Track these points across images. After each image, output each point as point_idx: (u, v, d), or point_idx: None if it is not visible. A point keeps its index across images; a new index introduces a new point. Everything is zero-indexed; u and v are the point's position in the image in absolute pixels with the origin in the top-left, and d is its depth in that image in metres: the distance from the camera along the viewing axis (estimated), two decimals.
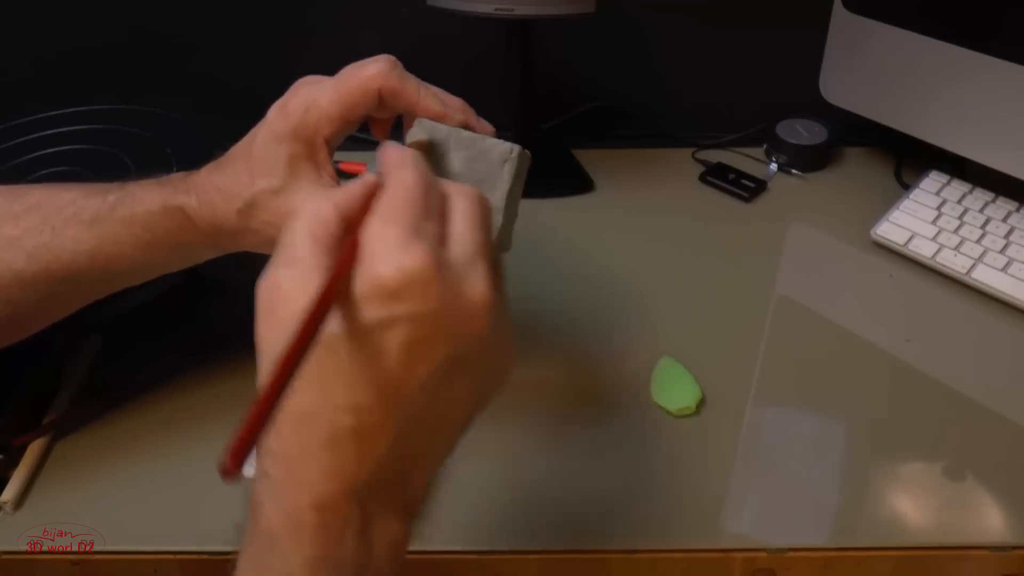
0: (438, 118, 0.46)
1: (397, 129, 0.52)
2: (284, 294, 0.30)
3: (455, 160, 0.46)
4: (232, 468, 0.24)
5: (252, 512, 0.32)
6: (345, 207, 0.32)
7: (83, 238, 0.46)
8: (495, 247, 0.35)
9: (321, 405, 0.30)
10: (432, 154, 0.46)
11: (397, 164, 0.33)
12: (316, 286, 0.29)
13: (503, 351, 0.34)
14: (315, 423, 0.30)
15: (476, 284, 0.31)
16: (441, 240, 0.31)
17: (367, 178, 0.34)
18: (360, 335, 0.29)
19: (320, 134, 0.46)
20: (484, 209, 0.34)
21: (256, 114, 0.48)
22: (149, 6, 0.80)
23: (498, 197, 0.45)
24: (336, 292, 0.29)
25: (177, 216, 0.46)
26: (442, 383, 0.31)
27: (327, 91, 0.46)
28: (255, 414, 0.25)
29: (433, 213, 0.32)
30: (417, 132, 0.46)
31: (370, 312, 0.29)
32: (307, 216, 0.32)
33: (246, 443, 0.25)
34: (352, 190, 0.33)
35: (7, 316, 0.46)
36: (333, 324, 0.29)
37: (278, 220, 0.46)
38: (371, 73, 0.45)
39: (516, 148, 0.45)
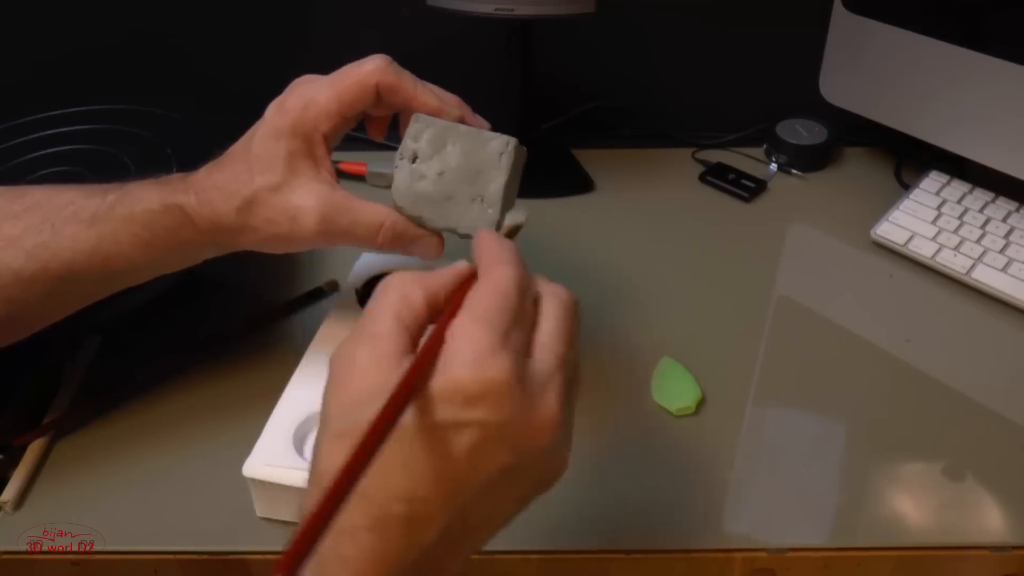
0: (435, 113, 0.47)
1: (393, 129, 0.52)
2: (360, 369, 0.31)
3: (453, 154, 0.46)
4: (290, 566, 0.24)
5: None
6: (435, 293, 0.32)
7: (83, 237, 0.46)
8: (577, 356, 0.35)
9: (376, 490, 0.30)
10: (430, 148, 0.47)
11: (497, 260, 0.33)
12: (393, 369, 0.30)
13: (559, 462, 0.34)
14: (366, 506, 0.30)
15: (550, 402, 0.31)
16: (527, 349, 0.32)
17: (461, 267, 0.34)
18: (429, 431, 0.30)
19: (319, 130, 0.46)
20: (575, 317, 0.34)
21: (256, 114, 0.48)
22: (149, 6, 0.80)
23: (495, 189, 0.46)
24: (416, 384, 0.29)
25: (176, 215, 0.46)
26: (497, 487, 0.32)
27: (325, 88, 0.46)
28: (323, 504, 0.25)
29: (524, 318, 0.32)
30: (415, 126, 0.47)
31: (443, 411, 0.29)
32: (394, 296, 0.32)
33: (310, 539, 0.25)
34: (444, 276, 0.33)
35: (7, 315, 0.46)
36: (407, 414, 0.29)
37: (278, 217, 0.46)
38: (368, 69, 0.46)
39: (512, 141, 0.46)
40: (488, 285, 0.32)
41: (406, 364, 0.31)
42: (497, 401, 0.30)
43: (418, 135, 0.47)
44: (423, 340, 0.32)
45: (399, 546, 0.30)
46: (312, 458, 0.32)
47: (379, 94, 0.47)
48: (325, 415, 0.32)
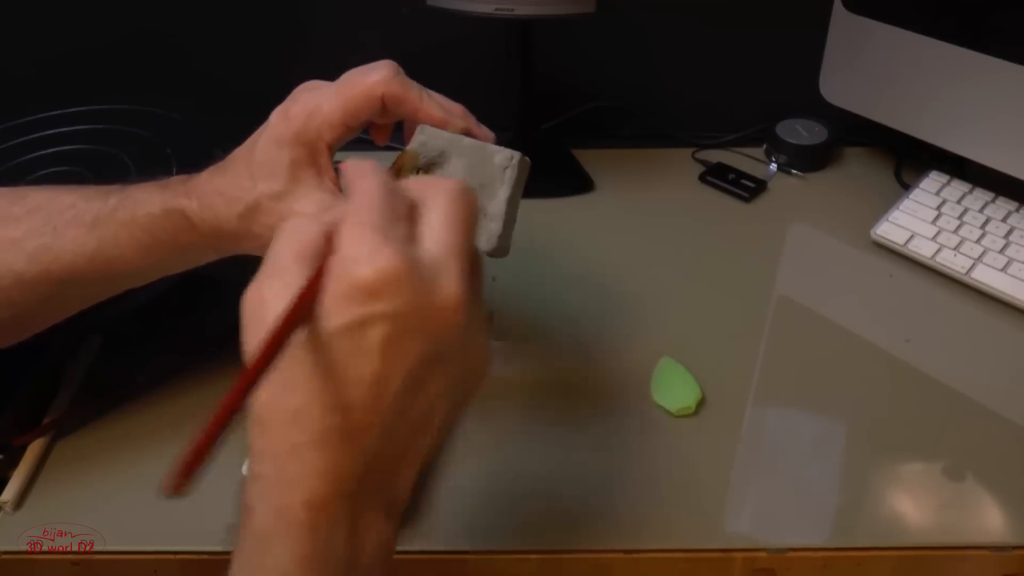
0: (440, 125, 0.47)
1: (397, 133, 0.52)
2: (267, 304, 0.31)
3: (456, 166, 0.46)
4: (182, 482, 0.26)
5: (244, 513, 0.33)
6: (330, 225, 0.33)
7: (84, 240, 0.46)
8: (474, 244, 0.35)
9: (309, 404, 0.31)
10: (429, 161, 0.47)
11: (358, 175, 0.34)
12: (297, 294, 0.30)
13: (478, 349, 0.35)
14: (304, 423, 0.31)
15: (449, 282, 0.32)
16: (412, 240, 0.32)
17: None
18: (341, 335, 0.30)
19: (322, 139, 0.46)
20: (463, 206, 0.34)
21: (257, 114, 0.48)
22: (149, 6, 0.80)
23: (499, 203, 0.46)
24: (311, 298, 0.30)
25: (178, 219, 0.46)
26: (422, 379, 0.32)
27: (330, 97, 0.46)
28: (218, 418, 0.27)
29: (400, 215, 0.33)
30: (419, 139, 0.47)
31: (349, 312, 0.30)
32: (289, 231, 0.33)
33: (204, 449, 0.26)
34: (335, 211, 0.34)
35: (8, 318, 0.46)
36: (317, 324, 0.30)
37: (278, 224, 0.46)
38: (374, 80, 0.45)
39: (517, 155, 0.46)
40: (357, 195, 0.33)
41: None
42: (395, 289, 0.30)
43: (422, 147, 0.47)
44: None
45: (343, 456, 0.31)
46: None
47: (384, 105, 0.46)
48: (245, 355, 0.32)
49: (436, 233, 0.33)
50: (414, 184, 0.35)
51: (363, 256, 0.30)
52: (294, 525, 0.31)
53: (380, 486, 0.33)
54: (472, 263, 0.34)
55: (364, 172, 0.34)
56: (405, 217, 0.33)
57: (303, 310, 0.30)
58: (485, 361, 0.36)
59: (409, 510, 0.50)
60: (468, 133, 0.48)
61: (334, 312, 0.30)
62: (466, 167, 0.46)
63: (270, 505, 0.31)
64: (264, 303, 0.31)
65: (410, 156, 0.45)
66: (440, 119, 0.47)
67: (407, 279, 0.30)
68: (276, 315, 0.30)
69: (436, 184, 0.35)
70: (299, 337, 0.30)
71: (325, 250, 0.32)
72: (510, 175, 0.46)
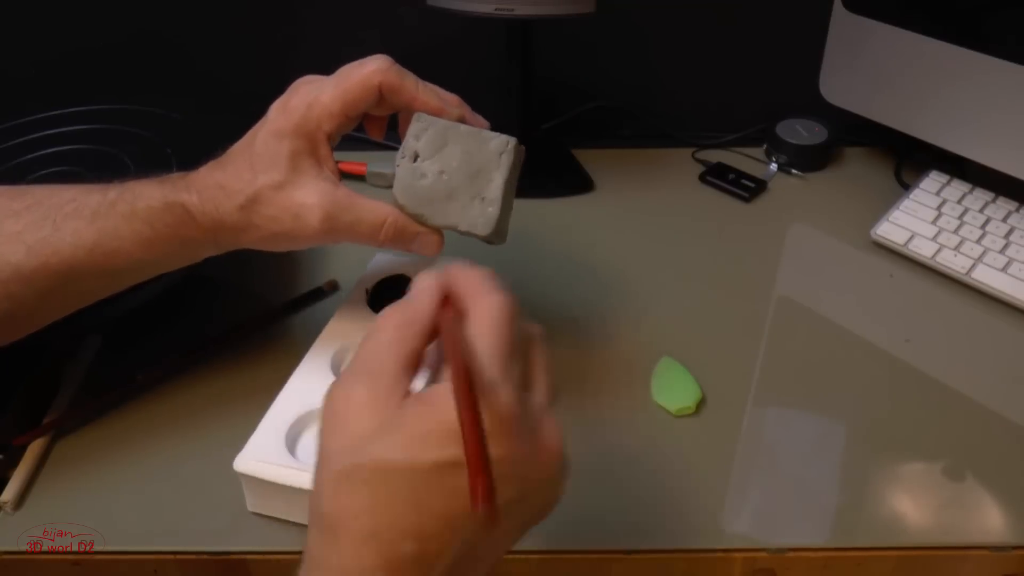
0: (436, 113, 0.47)
1: (392, 129, 0.53)
2: (354, 408, 0.31)
3: (454, 153, 0.47)
4: (491, 510, 0.26)
5: None
6: (423, 324, 0.33)
7: (83, 233, 0.46)
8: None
9: (387, 528, 0.30)
10: (432, 147, 0.47)
11: (487, 288, 0.33)
12: (393, 408, 0.30)
13: (559, 491, 0.34)
14: (377, 545, 0.30)
15: (551, 433, 0.32)
16: (526, 384, 0.32)
17: (431, 284, 0.34)
18: (436, 469, 0.30)
19: (322, 129, 0.47)
20: (549, 355, 0.34)
21: (256, 114, 0.48)
22: (149, 6, 0.80)
23: (496, 187, 0.47)
24: (471, 383, 0.29)
25: (178, 212, 0.46)
26: (502, 520, 0.31)
27: (328, 88, 0.47)
28: (474, 455, 0.27)
29: (519, 350, 0.32)
30: (416, 126, 0.47)
31: (452, 448, 0.29)
32: (391, 332, 0.32)
33: (486, 477, 0.26)
34: (423, 303, 0.33)
35: (7, 312, 0.46)
36: (408, 452, 0.30)
37: (281, 215, 0.46)
38: (371, 69, 0.46)
39: (512, 140, 0.47)
40: (487, 316, 0.32)
41: (409, 404, 0.31)
42: (504, 433, 0.30)
43: (419, 134, 0.47)
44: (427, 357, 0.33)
45: None
46: (311, 499, 0.32)
47: (381, 94, 0.47)
48: (325, 454, 0.31)
49: (543, 379, 0.33)
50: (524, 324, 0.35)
51: (482, 395, 0.30)
52: None
53: None
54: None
55: (492, 286, 0.33)
56: (524, 352, 0.33)
57: (471, 385, 0.29)
58: (559, 497, 0.35)
59: None
60: (463, 121, 0.48)
61: (434, 443, 0.30)
62: (462, 153, 0.47)
63: None
64: (352, 403, 0.31)
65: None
66: (436, 107, 0.47)
67: (516, 427, 0.30)
68: (364, 422, 0.30)
69: (534, 333, 0.34)
70: (392, 458, 0.30)
71: (423, 351, 0.32)
72: (506, 160, 0.47)
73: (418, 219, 0.48)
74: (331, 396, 0.32)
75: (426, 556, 0.30)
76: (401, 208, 0.48)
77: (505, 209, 0.48)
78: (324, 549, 0.31)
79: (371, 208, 0.48)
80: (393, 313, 0.34)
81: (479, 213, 0.47)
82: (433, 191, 0.47)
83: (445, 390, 0.30)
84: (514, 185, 0.49)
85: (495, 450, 0.29)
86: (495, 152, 0.47)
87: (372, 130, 0.52)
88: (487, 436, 0.28)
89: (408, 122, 0.48)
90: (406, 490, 0.30)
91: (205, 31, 0.82)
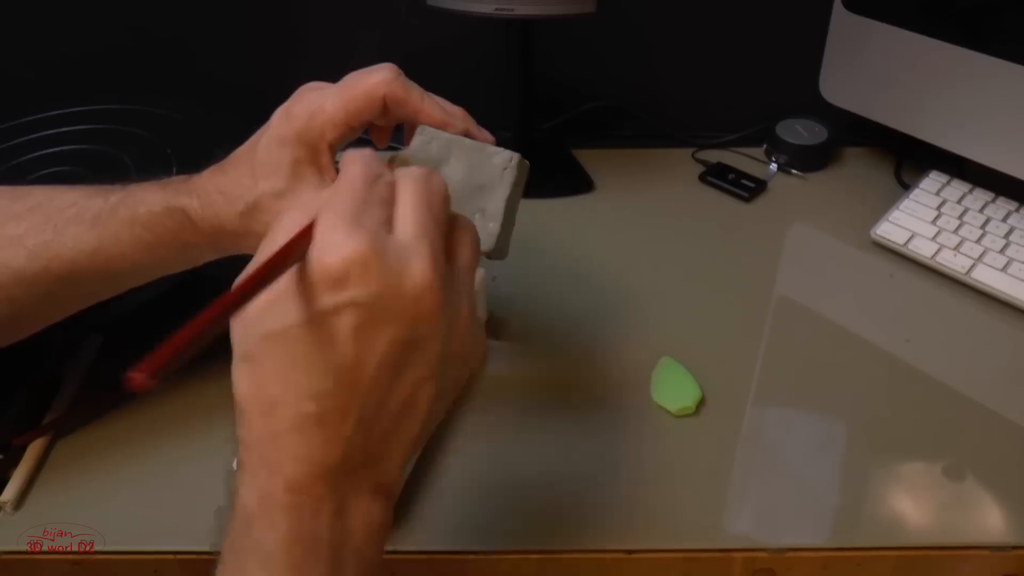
0: (440, 125, 0.47)
1: (397, 135, 0.53)
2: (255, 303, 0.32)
3: (456, 167, 0.47)
4: (150, 377, 0.26)
5: (232, 499, 0.34)
6: (315, 211, 0.33)
7: (84, 237, 0.46)
8: (445, 228, 0.36)
9: (284, 393, 0.32)
10: (434, 161, 0.47)
11: (347, 161, 0.35)
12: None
13: (463, 334, 0.35)
14: (281, 411, 0.32)
15: (419, 266, 0.32)
16: (385, 225, 0.33)
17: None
18: (313, 323, 0.31)
19: (324, 139, 0.46)
20: (432, 190, 0.35)
21: (257, 114, 0.48)
22: (149, 6, 0.80)
23: (497, 203, 0.46)
24: (284, 263, 0.31)
25: (179, 217, 0.46)
26: (399, 364, 0.33)
27: (332, 97, 0.46)
28: (197, 321, 0.28)
29: (376, 200, 0.33)
30: (419, 139, 0.47)
31: (320, 300, 0.31)
32: (282, 223, 0.34)
33: (177, 348, 0.27)
34: (322, 198, 0.34)
35: (8, 315, 0.46)
36: (290, 315, 0.31)
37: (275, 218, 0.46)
38: (376, 80, 0.46)
39: (516, 156, 0.46)
40: (339, 181, 0.34)
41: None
42: (363, 275, 0.30)
43: (422, 148, 0.47)
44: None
45: (321, 441, 0.32)
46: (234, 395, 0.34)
47: (386, 105, 0.47)
48: (231, 342, 0.33)
49: (407, 216, 0.33)
50: (397, 173, 0.36)
51: (332, 244, 0.31)
52: (276, 508, 0.32)
53: (365, 469, 0.34)
54: (441, 244, 0.34)
55: (354, 159, 0.35)
56: (384, 203, 0.33)
57: (280, 264, 0.30)
58: (475, 346, 0.36)
59: (409, 510, 0.50)
60: (467, 135, 0.48)
61: (305, 301, 0.31)
62: (466, 168, 0.46)
63: (253, 490, 0.32)
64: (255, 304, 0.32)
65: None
66: (441, 120, 0.47)
67: (375, 265, 0.31)
68: (260, 302, 0.31)
69: (406, 172, 0.35)
70: (272, 328, 0.31)
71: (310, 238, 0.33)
72: (509, 176, 0.46)
73: None
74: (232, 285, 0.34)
75: (328, 413, 0.31)
76: None
77: (506, 225, 0.47)
78: (241, 431, 0.33)
79: None
80: (284, 211, 0.35)
81: (480, 228, 0.47)
82: None
83: (313, 246, 0.31)
84: (517, 201, 0.48)
85: (359, 292, 0.30)
86: (498, 167, 0.46)
87: (376, 138, 0.52)
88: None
89: (413, 133, 0.48)
90: (292, 351, 0.31)
91: (205, 31, 0.82)
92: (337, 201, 0.32)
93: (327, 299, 0.31)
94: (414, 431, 0.35)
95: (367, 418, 0.32)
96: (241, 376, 0.33)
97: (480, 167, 0.46)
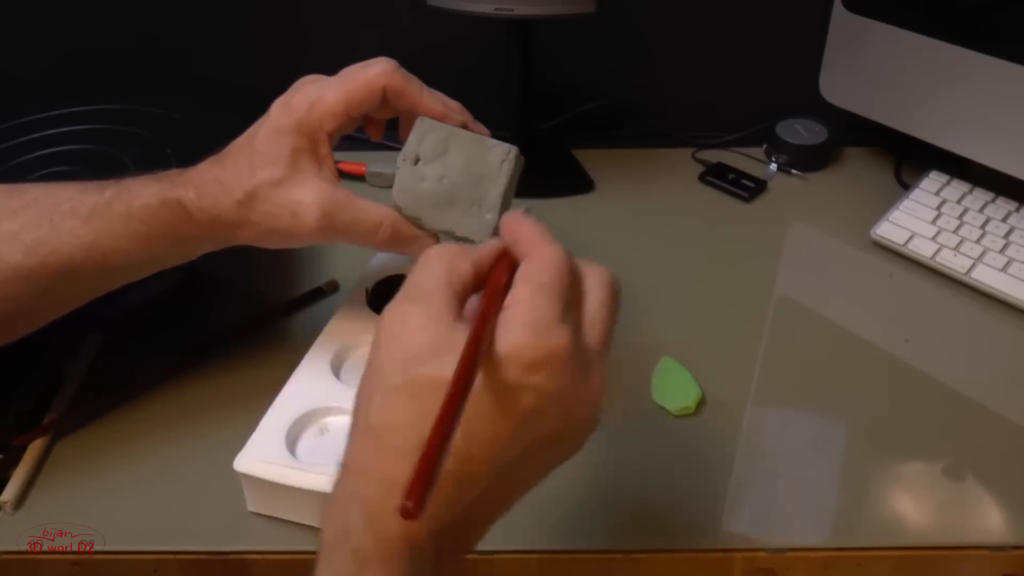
0: (440, 118, 0.48)
1: (391, 129, 0.53)
2: (413, 328, 0.32)
3: (455, 159, 0.47)
4: (413, 509, 0.26)
5: (341, 522, 0.33)
6: (479, 264, 0.34)
7: (81, 232, 0.46)
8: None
9: None
10: (433, 151, 0.47)
11: (540, 238, 0.35)
12: (446, 331, 0.31)
13: (589, 435, 0.36)
14: None
15: (597, 376, 0.33)
16: (579, 325, 0.33)
17: (498, 244, 0.36)
18: (489, 392, 0.31)
19: (323, 129, 0.47)
20: (616, 296, 0.35)
21: (256, 114, 0.49)
22: (149, 7, 0.80)
23: (495, 195, 0.47)
24: (483, 342, 0.30)
25: (175, 209, 0.46)
26: (540, 452, 0.33)
27: (332, 88, 0.47)
28: (427, 455, 0.27)
29: (576, 294, 0.34)
30: (419, 130, 0.47)
31: (504, 374, 0.31)
32: (442, 263, 0.34)
33: (424, 483, 0.26)
34: (485, 250, 0.35)
35: (6, 312, 0.46)
36: (469, 373, 0.30)
37: (278, 211, 0.47)
38: (376, 71, 0.46)
39: (514, 149, 0.47)
40: (543, 259, 0.34)
41: (461, 326, 0.32)
42: (556, 369, 0.31)
43: (422, 138, 0.47)
44: (468, 305, 0.34)
45: (447, 499, 0.31)
46: (357, 410, 0.33)
47: (385, 97, 0.47)
48: (377, 370, 0.32)
49: (597, 325, 0.34)
50: (587, 271, 0.36)
51: (540, 327, 0.31)
52: (395, 554, 0.31)
53: (464, 534, 0.34)
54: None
55: (545, 236, 0.35)
56: (579, 296, 0.34)
57: (478, 354, 0.30)
58: (585, 442, 0.36)
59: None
60: (465, 128, 0.49)
61: (492, 368, 0.31)
62: (464, 159, 0.47)
63: (373, 530, 0.31)
64: (408, 324, 0.32)
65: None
66: (440, 112, 0.47)
67: (569, 365, 0.31)
68: (418, 340, 0.31)
69: (599, 273, 0.35)
70: (443, 377, 0.30)
71: (474, 286, 0.33)
72: (507, 168, 0.47)
73: (416, 222, 0.49)
74: (386, 318, 0.33)
75: (465, 477, 0.31)
76: (399, 210, 0.48)
77: (503, 215, 0.48)
78: (368, 457, 0.32)
79: (369, 209, 0.48)
80: (443, 248, 0.35)
81: (477, 220, 0.48)
82: (432, 195, 0.48)
83: (514, 318, 0.31)
84: (512, 193, 0.49)
85: (547, 383, 0.30)
86: (496, 160, 0.47)
87: (371, 131, 0.52)
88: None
89: (409, 125, 0.48)
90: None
91: (205, 31, 0.82)
92: (545, 280, 0.32)
93: (514, 376, 0.31)
94: (510, 506, 0.35)
95: (490, 491, 0.33)
96: (388, 406, 0.32)
97: (478, 159, 0.47)
